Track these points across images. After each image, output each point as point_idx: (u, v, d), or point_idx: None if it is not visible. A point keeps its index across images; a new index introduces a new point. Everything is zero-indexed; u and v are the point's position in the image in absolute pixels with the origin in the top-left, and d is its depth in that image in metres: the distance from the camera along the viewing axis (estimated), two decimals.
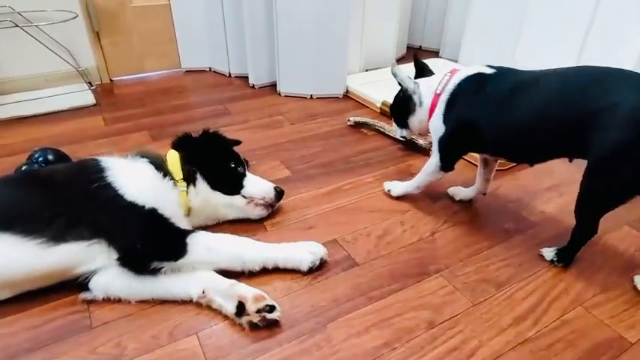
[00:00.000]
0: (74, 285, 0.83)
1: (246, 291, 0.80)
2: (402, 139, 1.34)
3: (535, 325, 0.79)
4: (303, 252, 0.90)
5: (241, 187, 1.03)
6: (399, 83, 1.06)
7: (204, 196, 0.98)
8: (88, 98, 1.71)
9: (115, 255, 0.82)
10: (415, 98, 1.04)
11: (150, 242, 0.82)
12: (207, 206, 0.99)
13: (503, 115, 0.89)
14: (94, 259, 0.81)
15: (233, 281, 0.82)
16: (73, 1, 1.72)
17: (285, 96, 1.78)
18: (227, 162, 1.04)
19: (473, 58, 1.96)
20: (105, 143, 1.40)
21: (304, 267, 0.89)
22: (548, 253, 0.94)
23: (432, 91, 1.01)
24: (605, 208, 0.83)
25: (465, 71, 0.98)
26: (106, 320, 0.79)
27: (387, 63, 2.06)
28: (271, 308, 0.78)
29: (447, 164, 1.03)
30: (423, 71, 1.11)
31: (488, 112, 0.91)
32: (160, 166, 0.95)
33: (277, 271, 0.89)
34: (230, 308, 0.79)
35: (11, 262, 0.77)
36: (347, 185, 1.20)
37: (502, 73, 0.94)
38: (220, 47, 1.94)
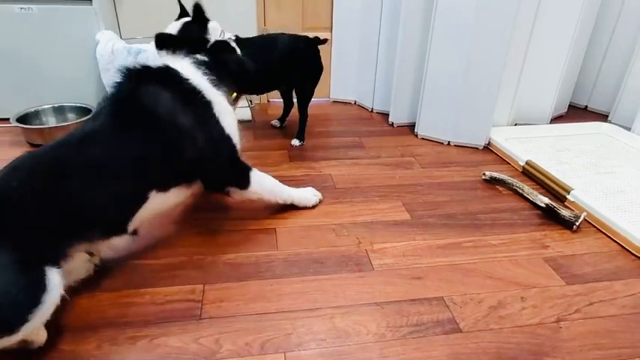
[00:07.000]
0: (196, 278, 0.95)
1: None
2: (543, 205, 1.22)
3: None
4: (311, 195, 1.26)
5: None
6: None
7: None
8: (246, 114, 1.94)
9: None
10: None
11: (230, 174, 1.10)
12: None
13: None
14: None
15: None
16: (253, 32, 1.99)
17: (422, 138, 1.76)
18: None
19: None
20: (250, 156, 1.56)
21: (310, 204, 1.25)
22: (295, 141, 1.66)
23: None
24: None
25: None
26: (213, 315, 0.87)
27: (540, 120, 1.90)
28: None
29: None
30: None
31: None
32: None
33: (376, 312, 0.87)
34: None
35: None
36: (467, 243, 1.12)
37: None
38: (368, 83, 2.02)
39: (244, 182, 1.10)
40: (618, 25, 1.95)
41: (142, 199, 0.92)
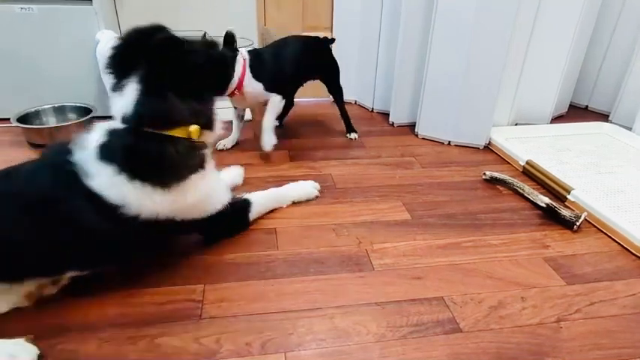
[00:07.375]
0: (196, 278, 0.95)
1: None
2: (543, 205, 1.22)
3: None
4: (311, 188, 1.31)
5: None
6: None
7: None
8: (247, 114, 1.93)
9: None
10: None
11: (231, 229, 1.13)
12: None
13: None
14: None
15: None
16: (253, 31, 1.99)
17: (422, 138, 1.76)
18: None
19: None
20: (250, 156, 1.56)
21: (312, 197, 1.30)
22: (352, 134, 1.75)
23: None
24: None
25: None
26: (213, 315, 0.87)
27: (541, 120, 1.90)
28: None
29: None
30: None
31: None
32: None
33: (376, 312, 0.88)
34: None
35: None
36: (467, 243, 1.12)
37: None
38: (368, 83, 2.02)
39: (244, 224, 1.15)
40: (619, 25, 1.95)
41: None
